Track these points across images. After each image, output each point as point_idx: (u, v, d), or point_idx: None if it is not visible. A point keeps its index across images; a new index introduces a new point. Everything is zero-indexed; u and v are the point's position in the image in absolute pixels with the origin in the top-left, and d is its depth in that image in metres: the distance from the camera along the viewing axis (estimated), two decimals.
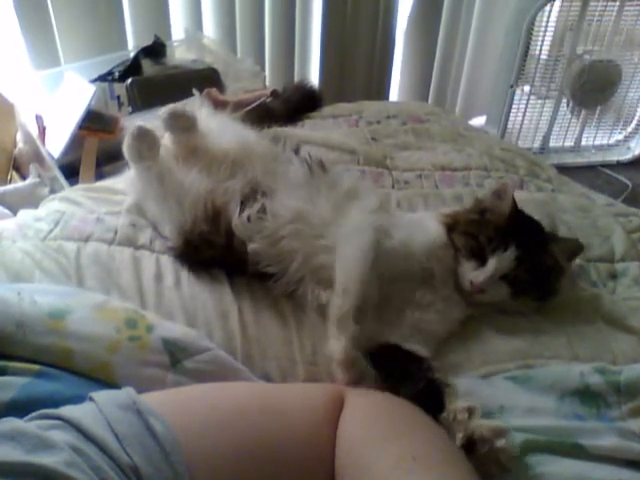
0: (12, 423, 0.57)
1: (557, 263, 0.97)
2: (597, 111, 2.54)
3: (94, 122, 1.51)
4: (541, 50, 2.34)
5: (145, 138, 1.07)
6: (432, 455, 0.67)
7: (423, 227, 1.00)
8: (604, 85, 2.39)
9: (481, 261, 0.94)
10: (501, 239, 0.93)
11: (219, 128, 1.19)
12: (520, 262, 0.92)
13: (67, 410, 0.61)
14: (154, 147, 1.09)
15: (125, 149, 1.09)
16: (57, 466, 0.51)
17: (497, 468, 0.71)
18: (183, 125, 1.13)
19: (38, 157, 1.53)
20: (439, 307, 0.93)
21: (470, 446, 0.71)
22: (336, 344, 0.84)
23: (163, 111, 1.13)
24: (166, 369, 0.79)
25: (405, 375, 0.82)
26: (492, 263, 0.92)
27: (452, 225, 0.99)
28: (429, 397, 0.78)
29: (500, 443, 0.71)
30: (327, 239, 0.96)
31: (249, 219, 0.99)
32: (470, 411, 0.75)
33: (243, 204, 1.01)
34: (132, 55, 1.79)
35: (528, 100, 2.46)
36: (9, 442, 0.53)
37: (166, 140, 1.15)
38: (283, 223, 0.98)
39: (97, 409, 0.61)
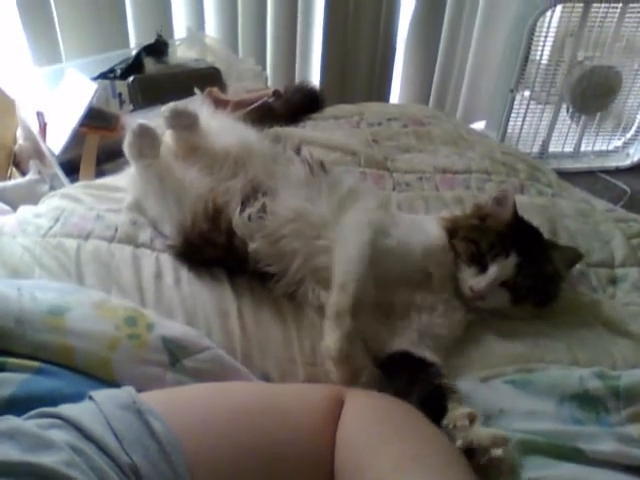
0: (11, 422, 0.56)
1: (557, 270, 0.97)
2: (597, 117, 2.55)
3: (95, 119, 1.51)
4: (542, 55, 2.34)
5: (146, 136, 1.07)
6: (431, 456, 0.66)
7: (422, 229, 1.00)
8: (604, 91, 2.39)
9: (482, 267, 0.94)
10: (502, 246, 0.93)
11: (220, 127, 1.19)
12: (521, 269, 0.92)
13: (66, 409, 0.60)
14: (155, 145, 1.09)
15: (126, 147, 1.09)
16: (56, 466, 0.51)
17: (497, 476, 0.70)
18: (185, 122, 1.13)
19: (38, 153, 1.53)
20: (441, 310, 0.93)
21: (469, 453, 0.70)
22: (331, 340, 0.84)
23: (165, 108, 1.13)
24: (165, 368, 0.79)
25: (413, 381, 0.81)
26: (493, 269, 0.92)
27: (453, 230, 0.99)
28: (434, 403, 0.77)
29: (498, 452, 0.69)
30: (327, 240, 0.96)
31: (250, 218, 0.99)
32: (471, 418, 0.73)
33: (244, 203, 1.01)
34: (134, 53, 1.79)
35: (528, 105, 2.46)
36: (8, 441, 0.53)
37: (167, 138, 1.15)
38: (283, 222, 0.98)
39: (97, 408, 0.61)
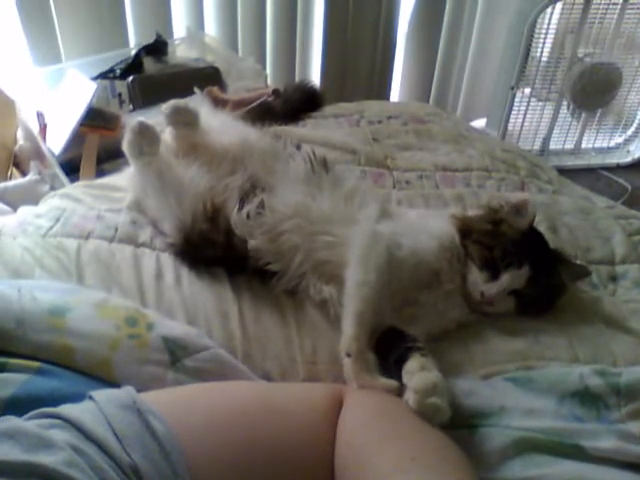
0: (12, 422, 0.56)
1: (563, 284, 0.98)
2: (597, 114, 2.54)
3: (95, 119, 1.51)
4: (542, 52, 2.34)
5: (146, 133, 1.07)
6: (431, 455, 0.67)
7: (430, 229, 0.99)
8: (605, 88, 2.39)
9: (493, 273, 0.93)
10: (516, 255, 0.93)
11: (220, 125, 1.19)
12: (531, 281, 0.93)
13: (67, 409, 0.60)
14: (154, 143, 1.08)
15: (125, 144, 1.08)
16: (57, 466, 0.51)
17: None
18: (185, 120, 1.13)
19: (39, 154, 1.53)
20: (439, 307, 0.93)
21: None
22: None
23: (166, 105, 1.12)
24: (166, 367, 0.79)
25: (393, 347, 0.84)
26: (505, 279, 0.92)
27: (465, 230, 0.99)
28: (402, 361, 0.80)
29: (410, 399, 0.73)
30: (329, 236, 0.96)
31: (248, 215, 0.99)
32: (422, 365, 0.78)
33: (242, 201, 1.01)
34: (134, 53, 1.79)
35: (529, 102, 2.45)
36: (8, 441, 0.53)
37: (166, 136, 1.15)
38: (282, 218, 0.98)
39: (97, 408, 0.61)
